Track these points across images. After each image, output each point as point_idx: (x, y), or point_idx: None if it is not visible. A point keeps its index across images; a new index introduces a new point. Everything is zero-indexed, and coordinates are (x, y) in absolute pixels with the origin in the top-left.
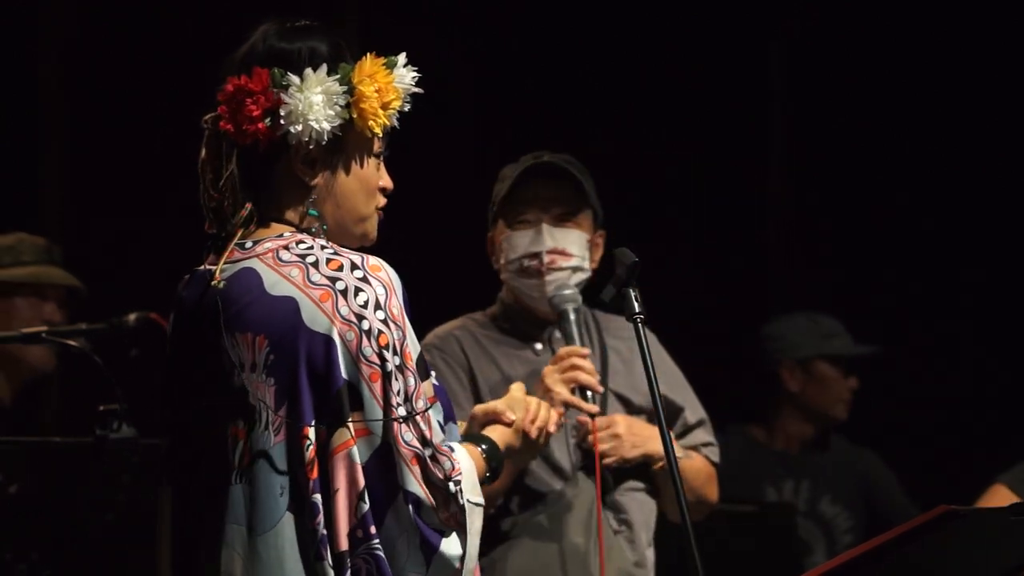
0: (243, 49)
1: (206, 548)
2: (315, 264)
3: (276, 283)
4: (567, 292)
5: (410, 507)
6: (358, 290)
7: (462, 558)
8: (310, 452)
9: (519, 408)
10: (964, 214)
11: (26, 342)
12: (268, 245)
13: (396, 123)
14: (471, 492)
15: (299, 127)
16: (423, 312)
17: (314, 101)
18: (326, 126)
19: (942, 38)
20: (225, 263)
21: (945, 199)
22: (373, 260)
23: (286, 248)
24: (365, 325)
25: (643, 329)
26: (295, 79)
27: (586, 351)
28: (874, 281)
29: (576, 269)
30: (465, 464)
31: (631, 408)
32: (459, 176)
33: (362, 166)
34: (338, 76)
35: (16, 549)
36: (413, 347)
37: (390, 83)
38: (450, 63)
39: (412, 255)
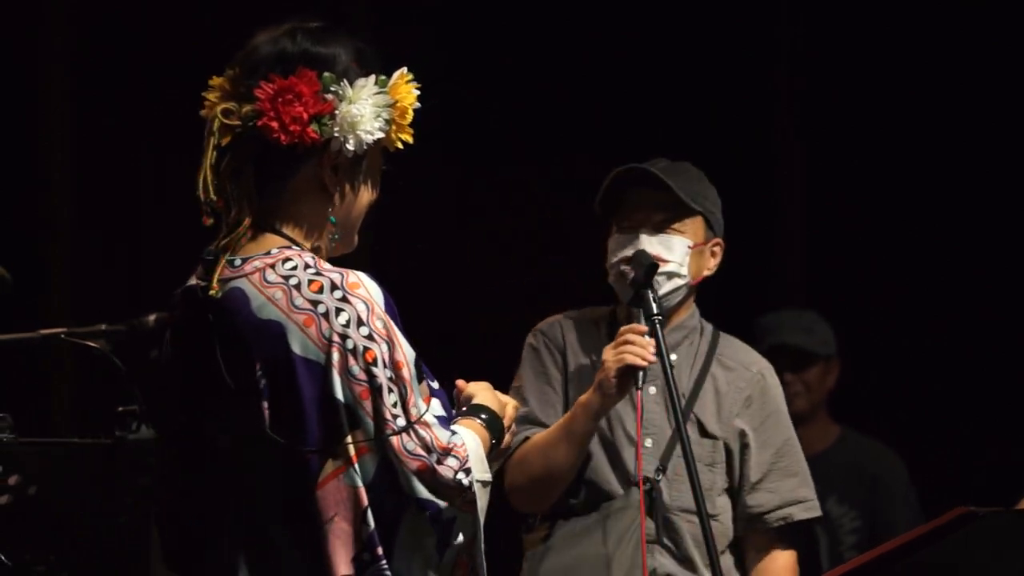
0: (267, 49)
1: (206, 570)
2: (297, 287)
3: (262, 306)
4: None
5: (426, 513)
6: (339, 310)
7: (469, 538)
8: (299, 480)
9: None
10: (975, 212)
11: (45, 343)
12: (256, 264)
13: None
14: (479, 471)
15: (349, 136)
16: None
17: (365, 112)
18: (372, 138)
19: (947, 39)
20: (217, 280)
21: (954, 197)
22: (352, 277)
23: (272, 267)
24: (349, 344)
25: (660, 329)
26: (347, 87)
27: (643, 328)
28: (885, 280)
29: (671, 275)
30: (471, 444)
31: (704, 434)
32: (455, 181)
33: (375, 178)
34: (385, 89)
35: (35, 550)
36: (405, 355)
37: (412, 98)
38: (449, 63)
39: (399, 260)
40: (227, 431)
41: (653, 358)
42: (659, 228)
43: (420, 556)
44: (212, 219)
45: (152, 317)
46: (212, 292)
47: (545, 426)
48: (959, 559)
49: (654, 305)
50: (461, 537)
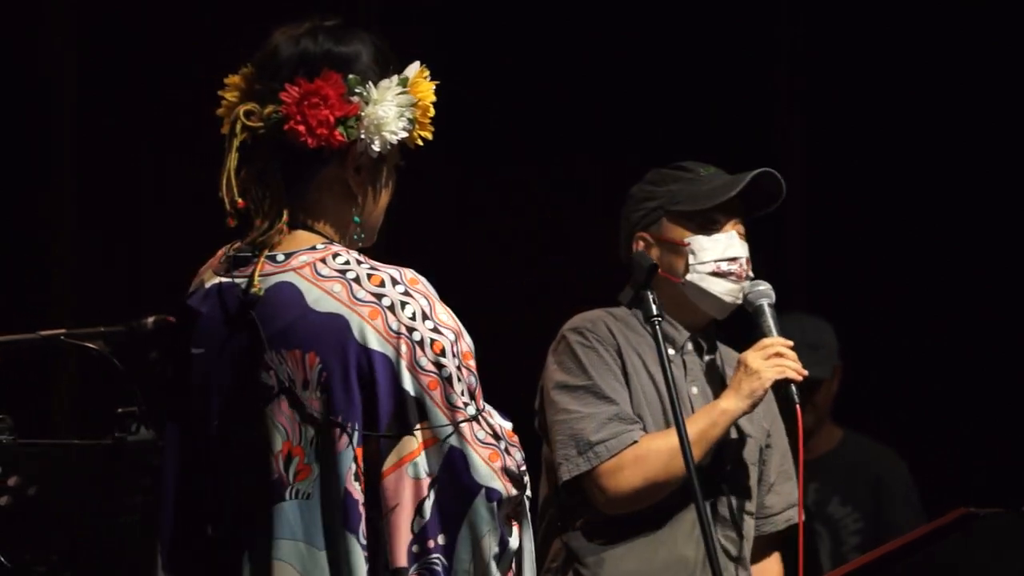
0: (289, 50)
1: (239, 568)
2: (357, 280)
3: (319, 299)
4: (762, 288)
5: (495, 504)
6: (404, 303)
7: (518, 550)
8: (361, 469)
9: None
10: (975, 212)
11: (45, 344)
12: (304, 259)
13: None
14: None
15: (375, 137)
16: None
17: (390, 113)
18: (396, 138)
19: (948, 38)
20: (258, 276)
21: (954, 197)
22: (409, 273)
23: (323, 262)
24: (417, 336)
25: (660, 331)
26: (372, 89)
27: (790, 342)
28: (885, 280)
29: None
30: None
31: (741, 433)
32: (453, 183)
33: (393, 176)
34: (407, 88)
35: (35, 551)
36: (470, 347)
37: (432, 94)
38: (449, 63)
39: (397, 260)
40: (251, 428)
41: (807, 372)
42: (743, 235)
43: (480, 551)
44: (237, 220)
45: (151, 319)
46: (254, 289)
47: (639, 423)
48: (959, 559)
49: (653, 306)
50: (514, 543)
